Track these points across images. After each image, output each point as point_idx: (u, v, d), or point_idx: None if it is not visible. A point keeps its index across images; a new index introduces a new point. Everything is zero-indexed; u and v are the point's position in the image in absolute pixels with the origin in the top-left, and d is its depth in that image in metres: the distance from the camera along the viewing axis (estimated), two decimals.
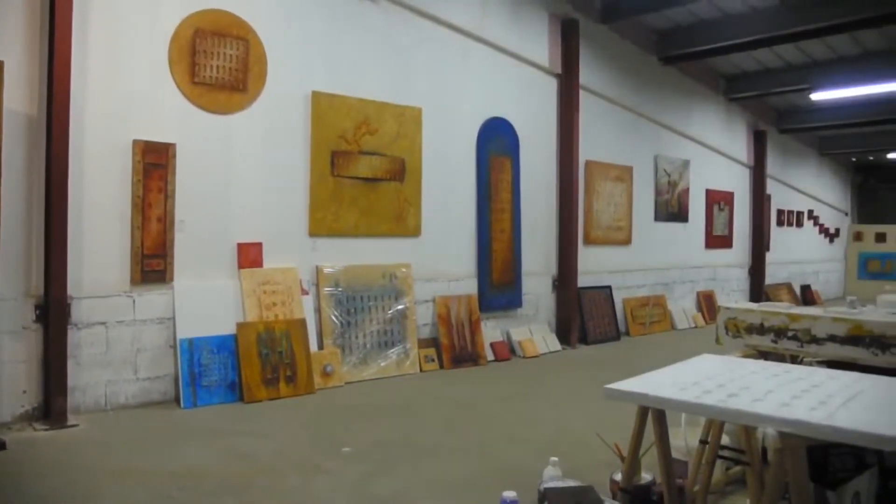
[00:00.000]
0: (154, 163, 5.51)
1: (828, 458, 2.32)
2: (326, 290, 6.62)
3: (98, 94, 5.26)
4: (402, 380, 6.80)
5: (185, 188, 5.70)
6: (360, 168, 6.88)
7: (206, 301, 5.82)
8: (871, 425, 1.86)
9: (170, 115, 5.65)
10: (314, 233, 6.60)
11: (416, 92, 7.38)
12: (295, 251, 6.47)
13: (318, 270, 6.62)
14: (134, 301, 5.49)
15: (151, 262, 5.53)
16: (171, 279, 5.65)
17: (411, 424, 5.23)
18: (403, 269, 7.25)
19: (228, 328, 5.86)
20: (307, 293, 6.47)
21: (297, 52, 6.44)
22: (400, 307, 7.13)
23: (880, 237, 18.02)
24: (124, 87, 5.40)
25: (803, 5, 8.71)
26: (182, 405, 5.47)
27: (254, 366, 5.82)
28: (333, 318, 6.63)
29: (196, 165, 5.78)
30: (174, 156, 5.60)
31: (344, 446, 4.57)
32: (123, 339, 5.43)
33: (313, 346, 6.33)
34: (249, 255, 6.12)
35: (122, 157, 5.40)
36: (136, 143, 5.42)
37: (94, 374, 5.28)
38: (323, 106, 6.57)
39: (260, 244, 6.19)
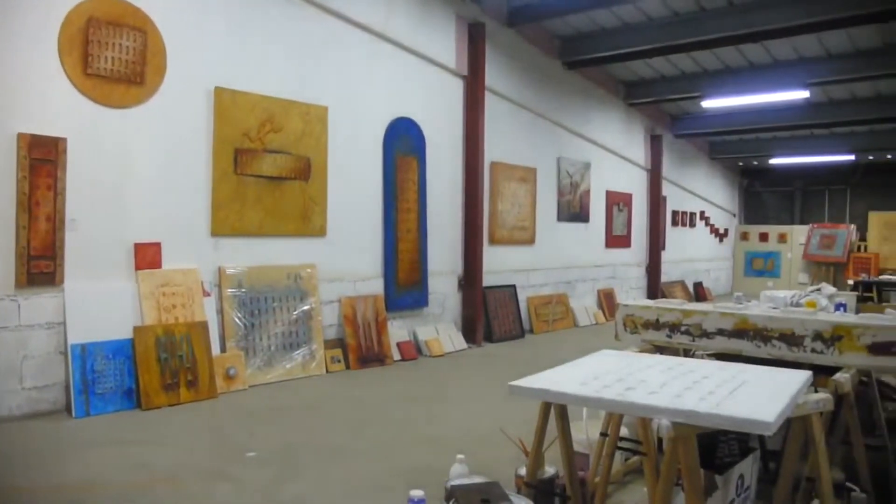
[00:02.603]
0: (42, 158, 5.22)
1: (716, 444, 2.45)
2: (229, 291, 6.46)
3: None
4: (307, 381, 6.72)
5: (77, 185, 5.42)
6: (265, 166, 6.74)
7: (101, 304, 5.56)
8: (753, 412, 1.98)
9: (60, 107, 5.36)
10: (216, 232, 6.42)
11: (322, 90, 7.30)
12: (196, 251, 6.28)
13: (220, 271, 6.45)
14: (19, 305, 5.18)
15: (39, 264, 5.23)
16: (62, 281, 5.36)
17: (318, 427, 5.17)
18: (309, 270, 7.15)
19: (125, 332, 5.62)
20: (209, 295, 6.29)
21: (199, 46, 6.24)
22: (305, 308, 7.03)
23: (763, 237, 19.14)
24: (8, 76, 5.08)
25: (695, 18, 9.16)
26: (74, 415, 5.19)
27: (152, 371, 5.61)
28: (236, 319, 6.47)
29: (89, 161, 5.51)
30: (65, 151, 5.32)
31: (248, 451, 4.48)
32: (7, 346, 5.11)
33: (216, 349, 6.17)
34: (147, 256, 5.89)
35: (5, 151, 5.07)
36: (21, 136, 5.11)
37: None
38: (226, 102, 6.40)
39: (158, 244, 5.97)
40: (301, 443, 4.73)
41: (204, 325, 6.05)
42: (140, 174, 5.87)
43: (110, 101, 5.64)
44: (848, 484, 3.12)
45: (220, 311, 6.40)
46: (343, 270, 7.59)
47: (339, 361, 7.25)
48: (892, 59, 10.04)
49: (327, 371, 7.07)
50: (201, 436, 4.89)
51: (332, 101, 7.37)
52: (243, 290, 6.57)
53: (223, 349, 6.32)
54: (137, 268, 5.83)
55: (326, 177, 7.33)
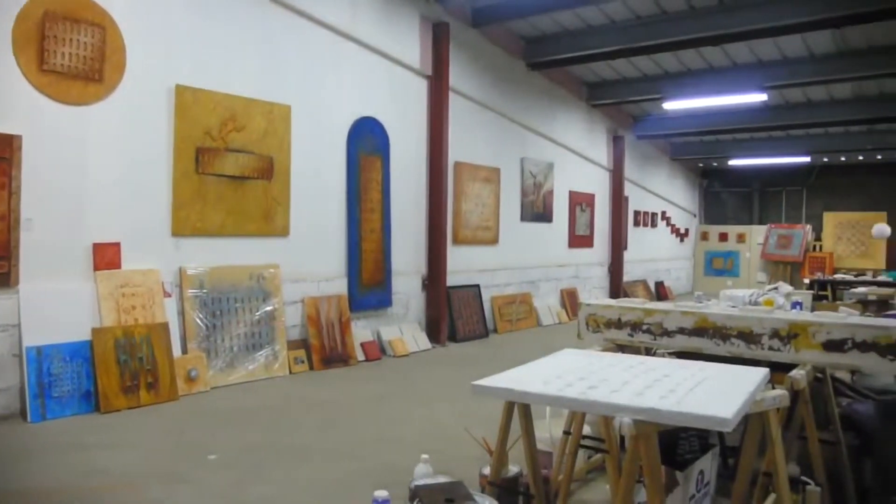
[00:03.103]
0: None
1: (677, 441, 2.49)
2: (190, 292, 6.37)
3: None
4: (271, 382, 6.66)
5: (33, 184, 5.29)
6: (227, 166, 6.66)
7: (58, 305, 5.44)
8: (712, 409, 2.02)
9: (14, 104, 5.22)
10: (177, 232, 6.33)
11: (285, 89, 7.24)
12: (157, 252, 6.18)
13: (181, 272, 6.35)
14: None
15: None
16: (17, 282, 5.23)
17: (282, 428, 5.13)
18: (271, 270, 7.09)
19: (83, 334, 5.51)
20: (170, 295, 6.20)
21: (160, 43, 6.14)
22: (268, 308, 6.97)
23: (723, 237, 19.49)
24: None
25: (656, 21, 9.30)
26: (29, 419, 5.07)
27: (111, 373, 5.51)
28: (198, 320, 6.39)
29: (46, 159, 5.39)
30: (20, 148, 5.19)
31: (210, 454, 4.43)
32: None
33: (177, 351, 6.08)
34: (106, 256, 5.78)
35: None
36: None
37: None
38: (187, 100, 6.31)
39: (118, 244, 5.87)
40: (264, 444, 4.69)
41: (165, 327, 5.96)
42: (99, 173, 5.76)
43: (67, 99, 5.52)
44: (803, 478, 3.20)
45: (182, 312, 6.31)
46: (306, 271, 7.54)
47: (302, 362, 7.20)
48: (844, 63, 10.32)
49: (291, 372, 7.02)
50: (162, 439, 4.82)
51: (295, 101, 7.32)
52: (205, 290, 6.49)
53: (184, 351, 6.23)
54: (96, 268, 5.72)
55: (289, 176, 7.27)
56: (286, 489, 3.89)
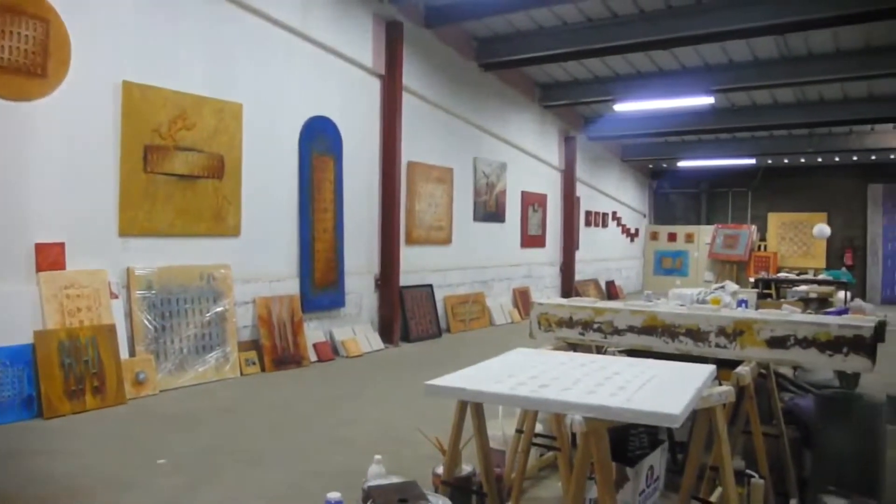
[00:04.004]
0: None
1: (627, 438, 2.53)
2: (139, 293, 6.24)
3: None
4: (222, 384, 6.56)
5: None
6: (176, 164, 6.54)
7: None
8: (661, 406, 2.06)
9: None
10: (125, 232, 6.19)
11: (236, 87, 7.14)
12: (103, 252, 6.03)
13: (129, 272, 6.21)
14: None
15: None
16: None
17: (233, 431, 5.06)
18: (222, 270, 6.98)
19: (24, 337, 5.33)
20: (117, 297, 6.06)
21: (107, 39, 5.99)
22: (219, 309, 6.87)
23: (672, 237, 19.90)
24: None
25: (608, 24, 9.43)
26: None
27: (55, 377, 5.36)
28: (146, 322, 6.26)
29: None
30: None
31: (158, 458, 4.34)
32: None
33: (124, 354, 5.94)
34: (49, 257, 5.61)
35: None
36: None
37: None
38: (135, 97, 6.17)
39: (62, 244, 5.71)
40: (215, 448, 4.62)
41: (111, 329, 5.82)
42: (42, 171, 5.58)
43: (8, 94, 5.34)
44: (748, 471, 3.29)
45: (129, 314, 6.17)
46: (258, 271, 7.45)
47: (254, 364, 7.11)
48: (787, 69, 10.62)
49: (242, 374, 6.92)
50: (108, 444, 4.70)
51: (247, 99, 7.22)
52: (153, 291, 6.36)
53: (132, 353, 6.09)
54: (39, 269, 5.55)
55: (241, 175, 7.17)
56: (238, 493, 3.84)
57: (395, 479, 2.69)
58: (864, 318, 3.42)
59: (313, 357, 7.78)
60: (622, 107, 12.83)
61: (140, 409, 5.59)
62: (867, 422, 3.49)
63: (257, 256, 7.42)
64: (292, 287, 7.86)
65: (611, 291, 17.10)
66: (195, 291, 6.70)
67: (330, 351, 8.04)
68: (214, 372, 6.68)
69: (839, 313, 5.33)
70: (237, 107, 7.10)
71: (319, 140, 8.18)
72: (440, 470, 3.07)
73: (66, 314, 5.62)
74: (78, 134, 5.82)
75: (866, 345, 3.05)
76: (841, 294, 10.60)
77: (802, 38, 9.74)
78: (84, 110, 5.85)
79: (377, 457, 3.06)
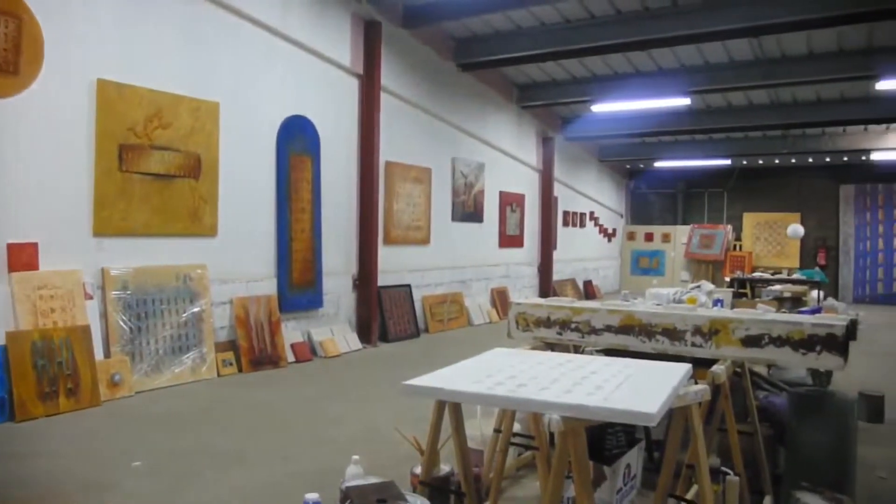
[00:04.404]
0: None
1: (604, 437, 2.55)
2: (114, 293, 6.17)
3: None
4: (198, 385, 6.51)
5: None
6: (152, 163, 6.48)
7: None
8: (638, 405, 2.07)
9: None
10: (100, 232, 6.11)
11: (213, 85, 7.08)
12: (78, 252, 5.95)
13: (104, 273, 6.14)
14: None
15: None
16: None
17: (210, 432, 5.02)
18: (199, 270, 6.93)
19: None
20: (91, 297, 5.99)
21: (82, 36, 5.91)
22: (195, 310, 6.81)
23: (649, 237, 20.06)
24: None
25: (586, 25, 9.48)
26: None
27: (28, 379, 5.28)
28: (122, 323, 6.19)
29: None
30: None
31: (134, 461, 4.30)
32: None
33: (99, 355, 5.87)
34: (22, 257, 5.53)
35: None
36: None
37: None
38: (110, 95, 6.10)
39: (35, 244, 5.62)
40: (192, 449, 4.58)
41: (86, 330, 5.76)
42: (14, 170, 5.50)
43: None
44: (723, 468, 3.32)
45: (104, 315, 6.10)
46: (235, 271, 7.40)
47: (231, 364, 7.06)
48: (761, 70, 10.75)
49: (219, 374, 6.87)
50: (83, 446, 4.65)
51: (224, 97, 7.17)
52: (129, 292, 6.29)
53: (107, 354, 6.03)
54: (11, 269, 5.47)
55: (218, 175, 7.12)
56: (215, 495, 3.82)
57: (373, 480, 2.69)
58: (836, 316, 3.48)
59: (291, 357, 7.74)
60: (599, 107, 12.91)
61: (115, 411, 5.53)
62: (839, 419, 3.55)
63: (234, 256, 7.37)
64: (270, 287, 7.82)
65: (588, 291, 17.19)
66: (171, 292, 6.64)
67: (308, 351, 8.01)
68: (191, 373, 6.62)
69: (812, 312, 5.40)
70: (214, 106, 7.05)
71: (297, 139, 8.14)
72: (418, 470, 3.07)
73: (40, 315, 5.54)
74: (51, 132, 5.74)
75: (839, 343, 3.09)
76: (814, 293, 10.75)
77: (776, 41, 9.86)
78: (58, 109, 5.77)
79: (355, 457, 3.05)
